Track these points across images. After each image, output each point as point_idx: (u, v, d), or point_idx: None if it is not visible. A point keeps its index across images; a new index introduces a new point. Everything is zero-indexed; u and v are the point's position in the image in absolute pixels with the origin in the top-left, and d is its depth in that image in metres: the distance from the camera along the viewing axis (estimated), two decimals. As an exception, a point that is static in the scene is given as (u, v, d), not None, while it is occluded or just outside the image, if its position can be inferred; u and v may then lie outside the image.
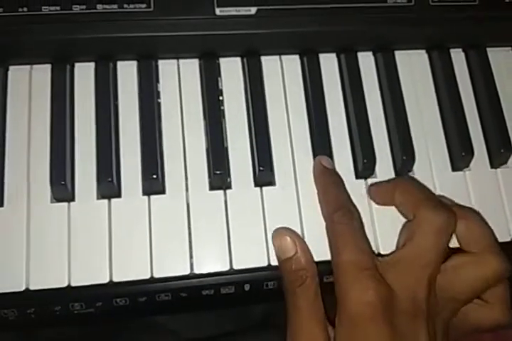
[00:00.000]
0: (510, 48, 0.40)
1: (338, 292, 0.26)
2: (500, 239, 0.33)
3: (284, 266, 0.28)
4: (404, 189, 0.30)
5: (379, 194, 0.32)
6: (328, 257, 0.31)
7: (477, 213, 0.32)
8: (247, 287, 0.31)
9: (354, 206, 0.30)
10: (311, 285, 0.27)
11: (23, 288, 0.28)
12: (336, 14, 0.35)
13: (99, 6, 0.33)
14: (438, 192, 0.34)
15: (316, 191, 0.33)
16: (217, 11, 0.34)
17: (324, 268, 0.31)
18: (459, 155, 0.35)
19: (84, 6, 0.33)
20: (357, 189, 0.33)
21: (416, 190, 0.30)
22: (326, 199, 0.31)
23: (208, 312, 0.38)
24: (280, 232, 0.29)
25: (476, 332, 0.29)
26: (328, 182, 0.32)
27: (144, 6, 0.33)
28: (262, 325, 0.39)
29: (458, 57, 0.39)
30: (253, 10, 0.35)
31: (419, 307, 0.26)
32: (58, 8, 0.33)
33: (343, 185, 0.32)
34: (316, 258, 0.31)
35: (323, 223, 0.32)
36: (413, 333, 0.25)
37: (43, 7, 0.32)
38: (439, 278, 0.27)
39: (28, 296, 0.29)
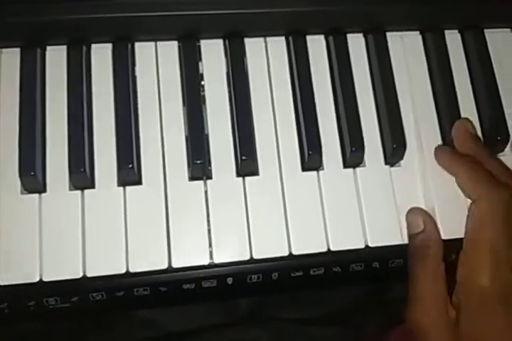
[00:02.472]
0: (509, 30, 0.38)
1: (467, 269, 0.27)
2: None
3: (412, 240, 0.30)
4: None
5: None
6: (314, 249, 0.30)
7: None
8: (229, 281, 0.30)
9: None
10: (436, 255, 0.29)
11: (-8, 284, 0.27)
12: (324, -7, 0.33)
13: (71, -15, 0.31)
14: (431, 183, 0.33)
15: (302, 180, 0.31)
16: (198, -10, 0.32)
17: (312, 260, 0.30)
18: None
19: (54, -15, 0.31)
20: (345, 178, 0.32)
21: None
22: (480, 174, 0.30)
23: (193, 305, 0.38)
24: (414, 211, 0.31)
25: None
26: (480, 153, 0.32)
27: (118, -16, 0.31)
28: (248, 318, 0.38)
29: (454, 39, 0.37)
30: (235, -13, 0.33)
31: None
32: (27, -13, 0.31)
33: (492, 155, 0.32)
34: (303, 251, 0.30)
35: (309, 215, 0.30)
36: None
37: (12, -12, 0.30)
38: None
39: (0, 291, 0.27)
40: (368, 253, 0.30)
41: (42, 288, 0.28)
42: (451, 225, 0.31)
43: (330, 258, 0.30)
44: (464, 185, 0.31)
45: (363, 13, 0.35)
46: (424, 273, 0.29)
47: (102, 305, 0.30)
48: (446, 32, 0.37)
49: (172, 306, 0.37)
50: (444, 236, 0.31)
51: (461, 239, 0.29)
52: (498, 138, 0.34)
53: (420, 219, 0.30)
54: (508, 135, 0.34)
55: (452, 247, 0.30)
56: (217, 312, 0.38)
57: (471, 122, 0.34)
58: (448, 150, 0.32)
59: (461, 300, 0.27)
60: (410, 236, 0.30)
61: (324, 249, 0.30)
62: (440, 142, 0.34)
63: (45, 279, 0.28)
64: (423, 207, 0.32)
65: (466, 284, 0.27)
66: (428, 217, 0.31)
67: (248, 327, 0.37)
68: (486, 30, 0.37)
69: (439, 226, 0.31)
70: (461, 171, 0.31)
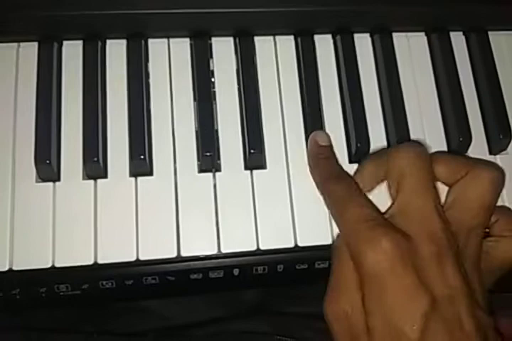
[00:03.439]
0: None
1: (353, 256, 0.25)
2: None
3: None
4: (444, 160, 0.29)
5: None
6: (320, 242, 0.31)
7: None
8: (236, 271, 0.31)
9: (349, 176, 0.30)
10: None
11: (6, 268, 0.28)
12: (332, -7, 0.34)
13: (88, -18, 0.32)
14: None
15: (308, 174, 0.32)
16: (209, -13, 0.33)
17: (317, 253, 0.30)
18: (457, 141, 0.34)
19: (72, -18, 0.32)
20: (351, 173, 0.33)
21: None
22: (319, 171, 0.30)
23: (198, 297, 0.38)
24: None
25: (504, 269, 0.27)
26: (321, 156, 0.31)
27: (133, -18, 0.32)
28: (253, 311, 0.39)
29: (458, 40, 0.38)
30: (246, -13, 0.33)
31: (441, 245, 0.24)
32: (45, -16, 0.32)
33: (336, 159, 0.32)
34: (309, 243, 0.30)
35: (314, 207, 0.31)
36: (441, 274, 0.24)
37: (30, -17, 0.32)
38: (448, 213, 0.26)
39: (12, 276, 0.28)
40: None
41: (54, 274, 0.28)
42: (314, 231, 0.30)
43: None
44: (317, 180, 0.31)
45: (369, 14, 0.36)
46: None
47: (110, 294, 0.30)
48: (452, 33, 0.38)
49: (178, 298, 0.38)
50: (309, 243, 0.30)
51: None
52: (501, 137, 0.35)
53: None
54: (511, 134, 0.35)
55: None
56: (223, 305, 0.38)
57: (325, 133, 0.33)
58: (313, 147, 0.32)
59: (361, 287, 0.25)
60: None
61: (329, 242, 0.30)
62: (444, 141, 0.35)
63: (57, 265, 0.28)
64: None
65: (358, 267, 0.25)
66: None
67: (254, 320, 0.38)
68: (490, 33, 0.38)
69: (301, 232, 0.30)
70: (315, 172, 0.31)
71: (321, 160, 0.31)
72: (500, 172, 0.27)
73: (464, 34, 0.38)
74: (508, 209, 0.29)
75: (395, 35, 0.37)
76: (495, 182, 0.27)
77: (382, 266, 0.24)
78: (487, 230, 0.28)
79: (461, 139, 0.34)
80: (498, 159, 0.35)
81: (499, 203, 0.28)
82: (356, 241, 0.25)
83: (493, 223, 0.28)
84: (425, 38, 0.37)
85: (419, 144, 0.29)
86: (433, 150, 0.34)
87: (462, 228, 0.26)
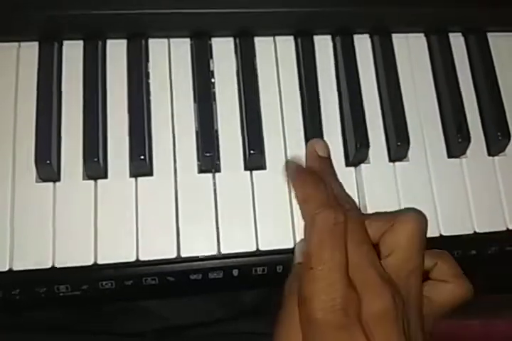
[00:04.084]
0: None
1: (303, 291, 0.25)
2: (496, 229, 0.33)
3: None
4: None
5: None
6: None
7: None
8: (235, 272, 0.31)
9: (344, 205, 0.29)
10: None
11: (6, 269, 0.28)
12: (332, -6, 0.34)
13: (88, -18, 0.32)
14: (433, 179, 0.34)
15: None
16: (210, -12, 0.33)
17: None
18: (456, 142, 0.34)
19: (72, -18, 0.32)
20: (348, 177, 0.33)
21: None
22: (312, 193, 0.29)
23: (198, 298, 0.38)
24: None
25: (446, 313, 0.28)
26: (323, 172, 0.31)
27: (134, -18, 0.32)
28: (252, 312, 0.39)
29: (457, 42, 0.38)
30: (246, -12, 0.34)
31: (389, 307, 0.25)
32: (46, -16, 0.32)
33: (337, 178, 0.31)
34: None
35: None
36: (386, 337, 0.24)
37: (31, -16, 0.31)
38: (384, 263, 0.27)
39: (12, 277, 0.28)
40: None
41: (54, 274, 0.28)
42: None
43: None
44: (298, 204, 0.30)
45: (369, 15, 0.36)
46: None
47: (110, 295, 0.30)
48: (451, 35, 0.38)
49: (177, 298, 0.38)
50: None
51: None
52: (499, 138, 0.35)
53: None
54: (509, 135, 0.35)
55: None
56: (222, 305, 0.39)
57: (324, 142, 0.33)
58: (292, 167, 0.32)
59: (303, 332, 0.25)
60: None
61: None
62: (443, 142, 0.35)
63: (57, 266, 0.28)
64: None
65: (302, 315, 0.25)
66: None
67: (253, 320, 0.38)
68: (489, 34, 0.38)
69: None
70: (297, 190, 0.30)
71: (311, 184, 0.29)
72: (422, 216, 0.28)
73: (463, 35, 0.38)
74: (447, 253, 0.29)
75: (394, 36, 0.37)
76: (419, 225, 0.28)
77: (330, 320, 0.24)
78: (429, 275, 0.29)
79: (460, 140, 0.34)
80: (497, 160, 0.35)
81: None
82: (312, 288, 0.25)
83: (432, 266, 0.29)
84: (424, 39, 0.38)
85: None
86: (432, 150, 0.34)
87: (401, 274, 0.26)
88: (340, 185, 0.32)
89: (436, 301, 0.28)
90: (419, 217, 0.28)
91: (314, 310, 0.24)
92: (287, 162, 0.32)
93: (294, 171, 0.31)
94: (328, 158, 0.32)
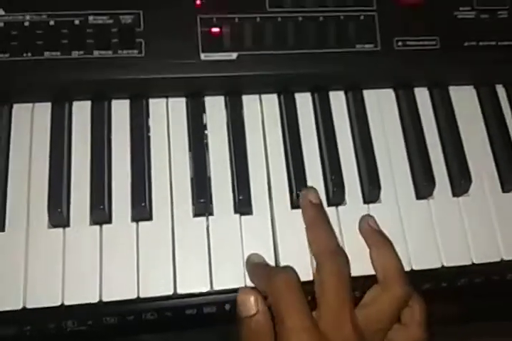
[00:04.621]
0: (472, 87, 0.44)
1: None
2: (463, 262, 0.37)
3: (244, 322, 0.30)
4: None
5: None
6: (304, 278, 0.34)
7: (390, 242, 0.35)
8: (227, 307, 0.34)
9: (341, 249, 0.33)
10: (268, 335, 0.29)
11: (20, 307, 0.31)
12: (309, 58, 0.39)
13: (96, 52, 0.37)
14: (403, 218, 0.37)
15: (290, 219, 0.36)
16: (202, 56, 0.38)
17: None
18: (423, 185, 0.38)
19: (82, 52, 0.37)
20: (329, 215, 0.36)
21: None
22: (314, 237, 0.34)
23: (194, 331, 0.40)
24: (245, 291, 0.31)
25: None
26: (315, 218, 0.35)
27: (136, 51, 0.37)
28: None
29: (423, 94, 0.43)
30: (234, 55, 0.39)
31: None
32: (59, 53, 0.36)
33: (327, 222, 0.35)
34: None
35: (298, 248, 0.35)
36: None
37: (45, 52, 0.36)
38: (360, 314, 0.31)
39: (25, 314, 0.31)
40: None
41: (63, 311, 0.31)
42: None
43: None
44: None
45: (342, 76, 0.41)
46: None
47: (112, 329, 0.33)
48: (416, 89, 0.43)
49: (175, 333, 0.40)
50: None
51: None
52: (462, 181, 0.39)
53: (252, 300, 0.29)
54: (470, 178, 0.39)
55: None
56: (218, 338, 0.41)
57: (315, 190, 0.36)
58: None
59: None
60: (240, 319, 0.30)
61: (310, 278, 0.34)
62: (412, 186, 0.39)
63: (66, 303, 0.31)
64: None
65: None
66: (259, 296, 0.30)
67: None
68: (451, 87, 0.43)
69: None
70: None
71: (317, 224, 0.34)
72: (407, 291, 0.32)
73: (428, 89, 0.43)
74: (422, 301, 0.33)
75: (365, 92, 0.42)
76: (401, 298, 0.32)
77: None
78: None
79: (425, 183, 0.38)
80: (461, 200, 0.39)
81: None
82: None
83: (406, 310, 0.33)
84: (393, 93, 0.42)
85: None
86: (402, 193, 0.38)
87: (370, 329, 0.31)
88: (331, 228, 0.34)
89: None
90: (404, 290, 0.32)
91: None
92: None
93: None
94: (320, 205, 0.35)
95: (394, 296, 0.31)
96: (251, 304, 0.29)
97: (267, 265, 0.34)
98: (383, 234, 0.35)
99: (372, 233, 0.35)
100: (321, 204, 0.35)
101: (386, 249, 0.34)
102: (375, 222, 0.36)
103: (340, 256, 0.32)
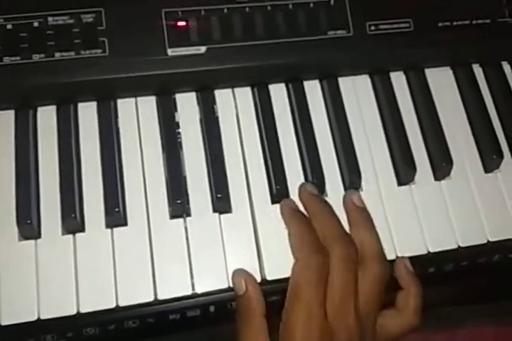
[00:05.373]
0: (448, 68, 0.43)
1: (287, 318, 0.29)
2: (447, 247, 0.36)
3: (237, 301, 0.32)
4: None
5: None
6: (286, 275, 0.33)
7: (371, 221, 0.35)
8: (212, 308, 0.33)
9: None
10: (256, 322, 0.31)
11: (-5, 324, 0.30)
12: (280, 48, 0.38)
13: (57, 54, 0.35)
14: (386, 206, 0.37)
15: (271, 215, 0.35)
16: (169, 52, 0.37)
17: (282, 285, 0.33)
18: (403, 171, 0.38)
19: (43, 55, 0.35)
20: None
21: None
22: (322, 225, 0.33)
23: (180, 336, 0.40)
24: (237, 273, 0.32)
25: (397, 338, 0.32)
26: (321, 207, 0.34)
27: (99, 51, 0.36)
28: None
29: (399, 78, 0.42)
30: (203, 49, 0.37)
31: (353, 333, 0.29)
32: (18, 58, 0.35)
33: (332, 210, 0.34)
34: (276, 277, 0.33)
35: (280, 244, 0.34)
36: None
37: (4, 58, 0.35)
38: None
39: (1, 331, 0.30)
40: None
41: (40, 326, 0.30)
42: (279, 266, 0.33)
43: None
44: (290, 244, 0.33)
45: (316, 64, 0.39)
46: (250, 330, 0.30)
47: (95, 340, 0.32)
48: (392, 74, 0.42)
49: (160, 337, 0.39)
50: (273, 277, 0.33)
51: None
52: (443, 164, 0.38)
53: (242, 280, 0.31)
54: (452, 161, 0.38)
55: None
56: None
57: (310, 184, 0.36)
58: (288, 206, 0.34)
59: None
60: (236, 298, 0.32)
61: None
62: (392, 172, 0.38)
63: (42, 317, 0.30)
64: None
65: (283, 337, 0.30)
66: (250, 278, 0.32)
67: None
68: (427, 70, 0.42)
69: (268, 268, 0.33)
70: (291, 231, 0.33)
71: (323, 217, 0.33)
72: (384, 268, 0.32)
73: (404, 73, 0.42)
74: (418, 283, 0.33)
75: (340, 79, 0.41)
76: (380, 277, 0.31)
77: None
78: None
79: (406, 169, 0.38)
80: (444, 184, 0.38)
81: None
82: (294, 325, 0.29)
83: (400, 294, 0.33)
84: (369, 79, 0.41)
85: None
86: (383, 180, 0.38)
87: (363, 312, 0.31)
88: (336, 216, 0.34)
89: (388, 329, 0.32)
90: (381, 268, 0.32)
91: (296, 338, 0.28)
92: (285, 200, 0.35)
93: (290, 212, 0.34)
94: (318, 196, 0.35)
95: (373, 275, 0.31)
96: (241, 284, 0.31)
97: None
98: (366, 211, 0.35)
99: (353, 210, 0.35)
100: (318, 196, 0.35)
101: (365, 226, 0.33)
102: (360, 198, 0.35)
103: (350, 243, 0.32)
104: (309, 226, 0.33)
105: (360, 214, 0.34)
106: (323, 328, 0.29)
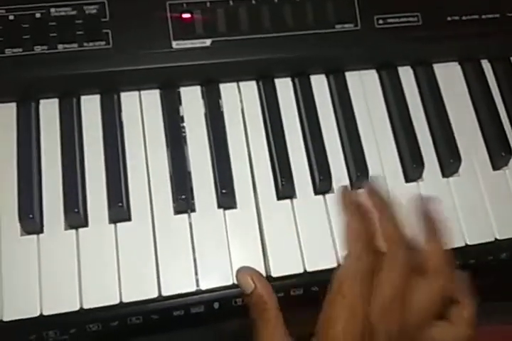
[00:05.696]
0: (456, 63, 0.42)
1: (325, 316, 0.29)
2: (456, 245, 0.36)
3: (247, 300, 0.31)
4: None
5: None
6: (292, 271, 0.33)
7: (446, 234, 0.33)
8: (216, 305, 0.33)
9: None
10: (271, 316, 0.30)
11: (-3, 320, 0.29)
12: (287, 41, 0.37)
13: (60, 46, 0.35)
14: (393, 202, 0.36)
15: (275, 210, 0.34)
16: (174, 45, 0.36)
17: (290, 282, 0.32)
18: (411, 167, 0.37)
19: (45, 47, 0.35)
20: (316, 204, 0.35)
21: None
22: (386, 226, 0.31)
23: (185, 333, 0.39)
24: (242, 271, 0.32)
25: None
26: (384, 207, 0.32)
27: (103, 43, 0.35)
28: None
29: (407, 73, 0.41)
30: (208, 42, 0.37)
31: (393, 339, 0.29)
32: (21, 49, 0.34)
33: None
34: (282, 273, 0.33)
35: (286, 241, 0.33)
36: None
37: (7, 49, 0.34)
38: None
39: (3, 326, 0.30)
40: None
41: (42, 321, 0.30)
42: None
43: (307, 279, 0.33)
44: (345, 235, 0.31)
45: (323, 58, 0.39)
46: (267, 325, 0.30)
47: (97, 337, 0.32)
48: (400, 69, 0.41)
49: (164, 334, 0.39)
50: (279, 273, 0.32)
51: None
52: (451, 161, 0.38)
53: (248, 278, 0.30)
54: (460, 158, 0.38)
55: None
56: (209, 337, 0.40)
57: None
58: (349, 195, 0.34)
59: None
60: (245, 296, 0.31)
61: (301, 270, 0.33)
62: (400, 169, 0.38)
63: (45, 313, 0.30)
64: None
65: (323, 329, 0.29)
66: (256, 274, 0.31)
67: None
68: (435, 65, 0.42)
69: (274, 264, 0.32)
70: (349, 222, 0.31)
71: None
72: (447, 282, 0.30)
73: (412, 68, 0.42)
74: (471, 296, 0.31)
75: (347, 74, 0.40)
76: (440, 291, 0.30)
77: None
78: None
79: (414, 166, 0.37)
80: (451, 181, 0.38)
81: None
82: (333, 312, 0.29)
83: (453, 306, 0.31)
84: (376, 74, 0.41)
85: None
86: (390, 177, 0.37)
87: (411, 323, 0.29)
88: (395, 221, 0.32)
89: None
90: (444, 282, 0.30)
91: (336, 331, 0.28)
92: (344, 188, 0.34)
93: (351, 200, 0.33)
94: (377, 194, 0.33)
95: (433, 288, 0.30)
96: (249, 282, 0.30)
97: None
98: (443, 223, 0.32)
99: (430, 220, 0.32)
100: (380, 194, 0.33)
101: (440, 239, 0.32)
102: (438, 209, 0.33)
103: (413, 250, 0.31)
104: (369, 221, 0.31)
105: (437, 225, 0.33)
106: (366, 326, 0.28)
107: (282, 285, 0.32)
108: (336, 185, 0.36)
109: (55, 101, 0.36)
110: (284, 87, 0.39)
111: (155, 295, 0.31)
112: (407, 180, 0.37)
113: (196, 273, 0.32)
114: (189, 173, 0.35)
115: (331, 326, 0.28)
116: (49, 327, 0.30)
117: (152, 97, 0.37)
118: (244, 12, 0.37)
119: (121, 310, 0.31)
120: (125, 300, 0.31)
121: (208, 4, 0.37)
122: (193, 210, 0.34)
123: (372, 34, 0.39)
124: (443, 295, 0.30)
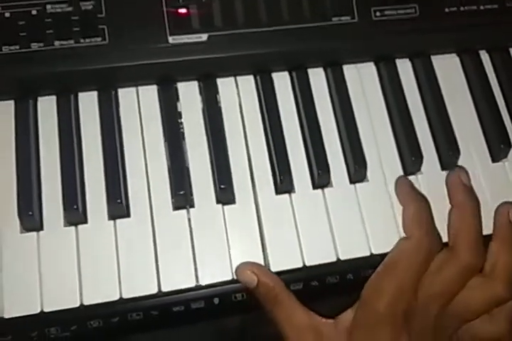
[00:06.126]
0: (454, 54, 0.42)
1: (371, 289, 0.29)
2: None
3: (255, 293, 0.31)
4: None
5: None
6: (290, 266, 0.33)
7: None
8: (216, 301, 0.33)
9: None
10: (284, 298, 0.30)
11: (-2, 316, 0.30)
12: (284, 35, 0.37)
13: (57, 42, 0.35)
14: (392, 196, 0.36)
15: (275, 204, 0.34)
16: (170, 40, 0.36)
17: (292, 275, 0.33)
18: (410, 160, 0.37)
19: (42, 44, 0.34)
20: (315, 198, 0.35)
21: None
22: (462, 224, 0.32)
23: (185, 328, 0.39)
24: (239, 269, 0.31)
25: None
26: (467, 204, 0.33)
27: (99, 39, 0.35)
28: (239, 337, 0.40)
29: (404, 65, 0.41)
30: (204, 37, 0.37)
31: (430, 323, 0.29)
32: (18, 47, 0.34)
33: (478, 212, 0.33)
34: (282, 268, 0.33)
35: (285, 236, 0.33)
36: None
37: (3, 47, 0.34)
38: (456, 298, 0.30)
39: (4, 324, 0.30)
40: (340, 266, 0.33)
41: (43, 318, 0.30)
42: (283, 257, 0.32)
43: (306, 273, 0.33)
44: (405, 219, 0.32)
45: (320, 51, 0.38)
46: (283, 308, 0.30)
47: (98, 333, 0.32)
48: (398, 61, 0.41)
49: (165, 330, 0.39)
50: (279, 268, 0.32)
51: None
52: (450, 153, 0.38)
53: (249, 272, 0.30)
54: (459, 150, 0.38)
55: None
56: (209, 333, 0.40)
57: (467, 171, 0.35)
58: (408, 183, 0.35)
59: (357, 314, 0.30)
60: (251, 291, 0.31)
61: (300, 265, 0.33)
62: (399, 161, 0.37)
63: (46, 310, 0.30)
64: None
65: (365, 302, 0.29)
66: (256, 266, 0.31)
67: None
68: (433, 57, 0.41)
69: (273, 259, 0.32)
70: (410, 207, 0.33)
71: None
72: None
73: (410, 60, 0.41)
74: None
75: (345, 67, 0.40)
76: (502, 299, 0.30)
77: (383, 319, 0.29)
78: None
79: (413, 159, 0.37)
80: (451, 174, 0.38)
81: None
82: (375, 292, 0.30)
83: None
84: (374, 67, 0.41)
85: None
86: (389, 170, 0.37)
87: (455, 314, 0.30)
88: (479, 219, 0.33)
89: (474, 335, 0.31)
90: (504, 291, 0.30)
91: (380, 303, 0.28)
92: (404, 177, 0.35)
93: (410, 189, 0.34)
94: (472, 189, 0.34)
95: (490, 295, 0.30)
96: (251, 276, 0.30)
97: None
98: (472, 193, 0.33)
99: (507, 226, 0.33)
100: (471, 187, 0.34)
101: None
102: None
103: (479, 255, 0.31)
104: (431, 211, 0.32)
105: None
106: (410, 304, 0.29)
107: (281, 280, 0.32)
108: (334, 178, 0.36)
109: (53, 98, 0.36)
110: (282, 81, 0.39)
111: (155, 291, 0.31)
112: (406, 172, 0.37)
113: (196, 269, 0.32)
114: (187, 169, 0.35)
115: (376, 298, 0.29)
116: (50, 323, 0.30)
117: (150, 93, 0.37)
118: (241, 6, 0.37)
119: (122, 306, 0.31)
120: (125, 296, 0.31)
121: (204, -2, 0.37)
122: (192, 206, 0.34)
123: (370, 26, 0.38)
124: (495, 303, 0.30)
